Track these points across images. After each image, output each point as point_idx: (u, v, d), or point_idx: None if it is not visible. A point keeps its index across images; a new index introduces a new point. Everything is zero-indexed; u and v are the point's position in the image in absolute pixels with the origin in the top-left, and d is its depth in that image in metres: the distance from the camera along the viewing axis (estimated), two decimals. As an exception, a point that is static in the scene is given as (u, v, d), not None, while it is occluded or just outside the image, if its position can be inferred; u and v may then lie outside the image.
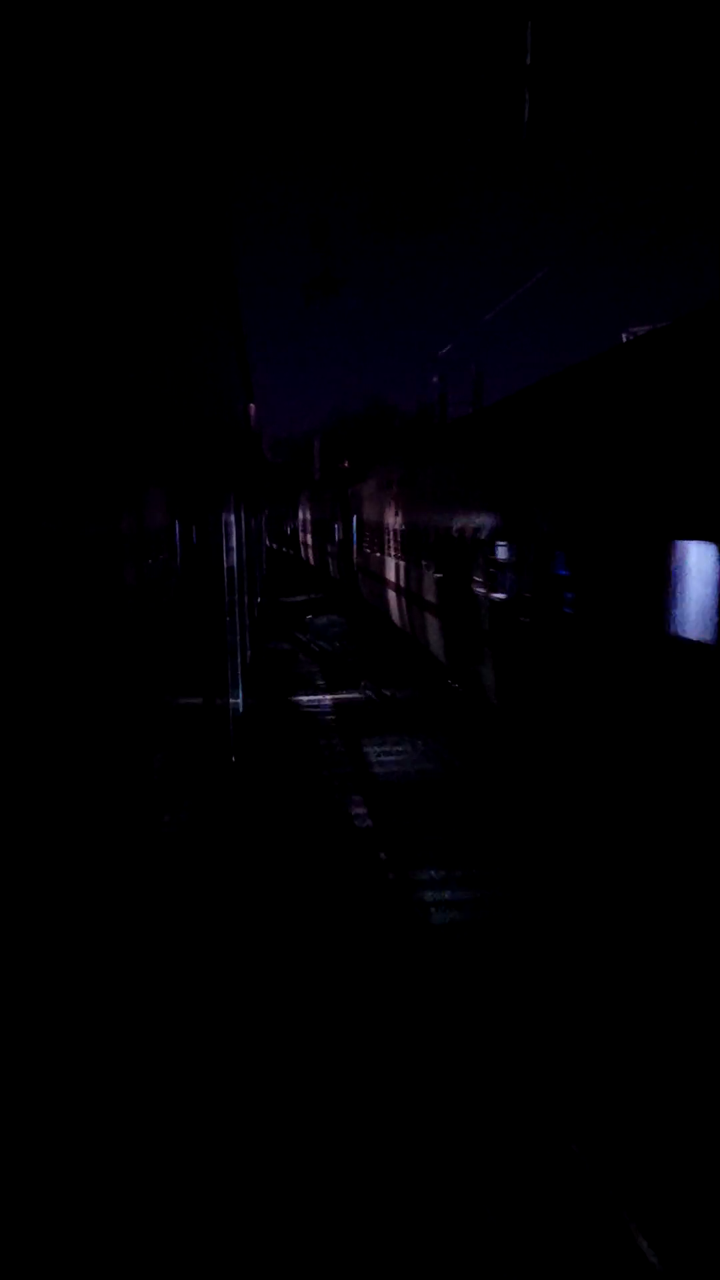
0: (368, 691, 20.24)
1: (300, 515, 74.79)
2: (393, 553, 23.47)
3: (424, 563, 18.55)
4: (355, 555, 34.67)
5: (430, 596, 18.00)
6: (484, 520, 13.39)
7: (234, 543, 15.95)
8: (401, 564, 22.00)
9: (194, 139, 6.62)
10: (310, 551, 57.95)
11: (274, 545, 79.81)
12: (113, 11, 3.65)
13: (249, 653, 20.45)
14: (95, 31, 3.36)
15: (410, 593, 20.85)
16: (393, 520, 23.76)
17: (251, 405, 26.84)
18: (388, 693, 19.91)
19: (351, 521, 35.81)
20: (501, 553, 12.31)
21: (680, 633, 6.73)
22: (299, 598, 44.52)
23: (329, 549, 45.35)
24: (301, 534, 74.38)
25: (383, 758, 15.18)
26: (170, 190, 5.74)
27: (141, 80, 4.55)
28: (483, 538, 13.25)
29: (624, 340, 11.96)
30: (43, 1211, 2.36)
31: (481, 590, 13.45)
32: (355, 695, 19.87)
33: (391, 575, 23.92)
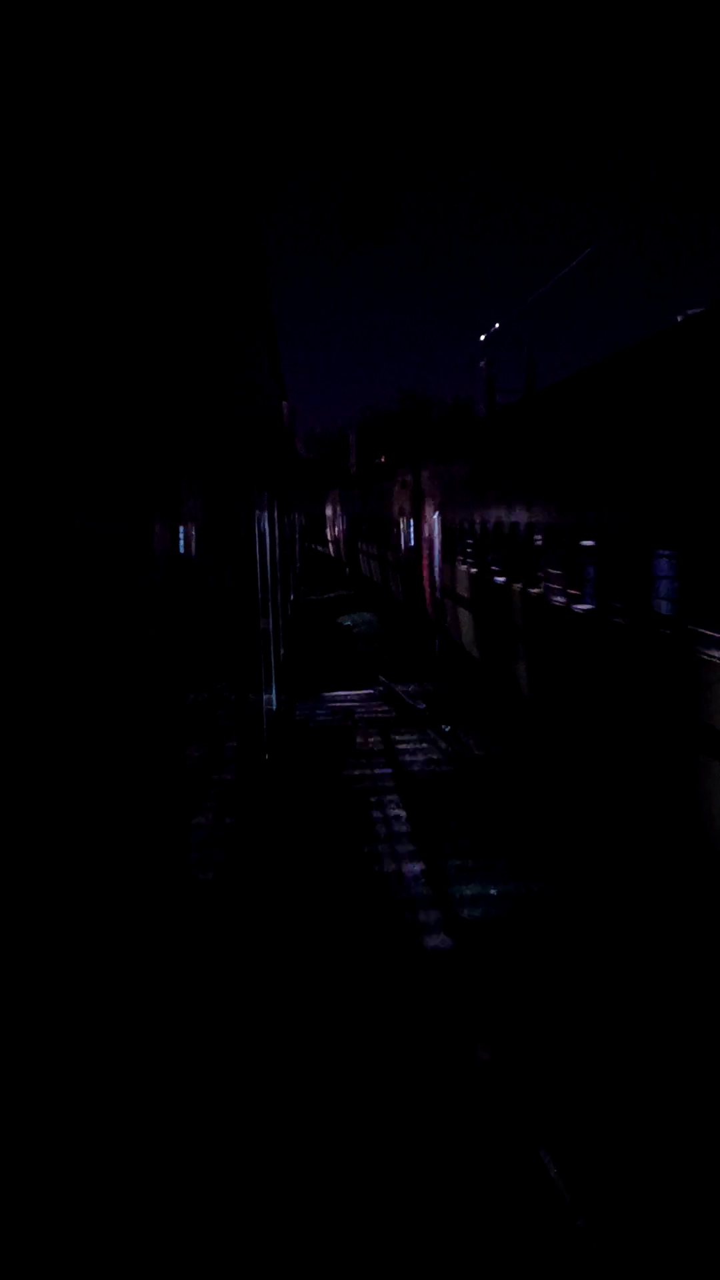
0: (380, 688, 20.22)
1: (329, 511, 74.14)
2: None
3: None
4: (436, 573, 23.01)
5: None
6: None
7: (268, 542, 16.00)
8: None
9: (226, 141, 6.65)
10: (343, 552, 57.40)
11: (312, 546, 79.54)
12: (135, 6, 3.68)
13: (283, 650, 20.53)
14: (120, 28, 3.40)
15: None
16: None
17: (284, 403, 26.89)
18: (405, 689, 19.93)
19: (432, 522, 23.64)
20: None
21: None
22: (329, 594, 44.58)
23: (388, 557, 32.57)
24: (330, 530, 74.01)
25: (413, 755, 15.19)
26: (200, 188, 5.77)
27: (176, 83, 4.58)
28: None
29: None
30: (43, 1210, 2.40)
31: None
32: (378, 691, 19.88)
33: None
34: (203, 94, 5.55)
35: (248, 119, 7.53)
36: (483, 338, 33.14)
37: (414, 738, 16.15)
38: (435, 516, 23.25)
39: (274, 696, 16.40)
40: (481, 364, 34.53)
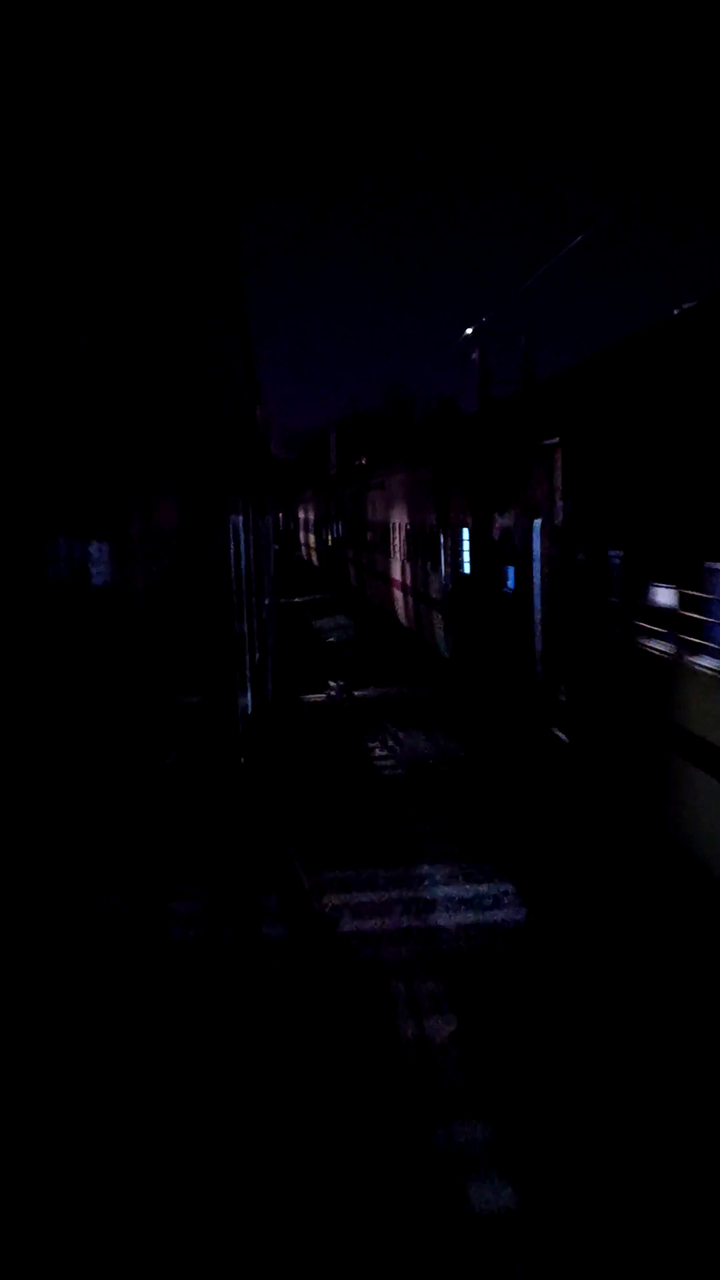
0: (332, 692, 20.11)
1: (303, 514, 73.29)
2: None
3: None
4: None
5: None
6: None
7: (243, 546, 16.03)
8: None
9: (198, 135, 6.69)
10: (320, 555, 56.92)
11: (288, 549, 78.77)
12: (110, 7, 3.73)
13: (257, 655, 20.53)
14: (94, 29, 3.45)
15: None
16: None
17: (259, 407, 26.92)
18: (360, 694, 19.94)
19: (461, 530, 17.64)
20: None
21: None
22: (302, 598, 44.55)
23: (421, 589, 22.49)
24: (305, 534, 73.18)
25: (386, 756, 15.25)
26: (173, 188, 5.81)
27: (145, 83, 4.63)
28: None
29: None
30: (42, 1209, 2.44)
31: None
32: (369, 693, 19.89)
33: None
34: (175, 85, 5.60)
35: (221, 108, 7.55)
36: (469, 331, 29.27)
37: (378, 739, 16.21)
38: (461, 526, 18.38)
39: (249, 700, 16.41)
40: (474, 355, 31.32)
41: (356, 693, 19.95)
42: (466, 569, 16.93)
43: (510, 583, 13.67)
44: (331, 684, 20.94)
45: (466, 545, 16.94)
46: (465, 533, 17.04)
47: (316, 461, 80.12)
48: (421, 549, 21.77)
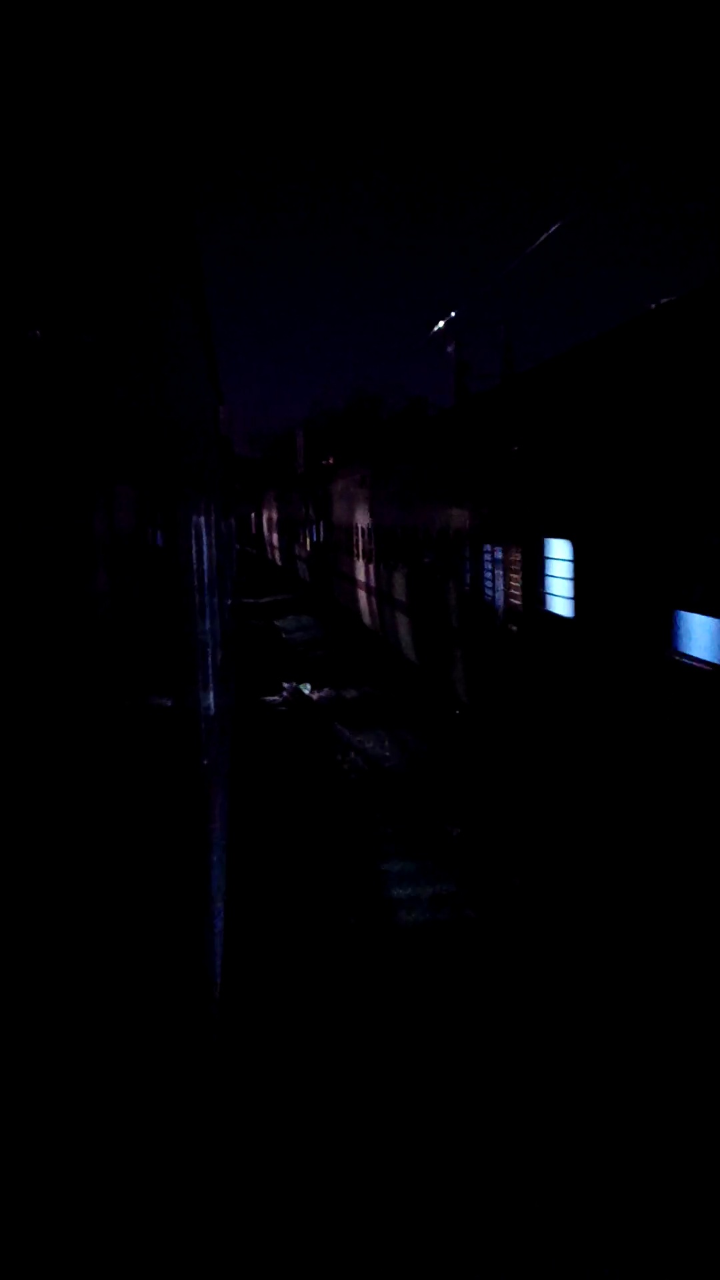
0: (285, 694, 20.09)
1: (267, 514, 72.66)
2: None
3: None
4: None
5: None
6: None
7: (205, 546, 15.95)
8: None
9: (155, 127, 6.63)
10: (283, 556, 56.78)
11: (249, 549, 78.17)
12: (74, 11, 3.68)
13: (220, 654, 20.43)
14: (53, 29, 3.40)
15: None
16: None
17: (221, 408, 26.83)
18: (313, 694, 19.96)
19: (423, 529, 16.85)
20: None
21: None
22: (267, 599, 44.44)
23: (386, 590, 21.84)
24: (267, 533, 72.53)
25: (358, 751, 15.21)
26: (130, 184, 5.76)
27: (98, 74, 4.58)
28: None
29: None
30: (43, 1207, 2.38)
31: None
32: (328, 695, 19.87)
33: None
34: (130, 76, 5.53)
35: (180, 98, 7.47)
36: (440, 324, 26.70)
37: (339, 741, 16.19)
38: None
39: (212, 701, 16.31)
40: (449, 349, 28.99)
41: (318, 694, 19.96)
42: (432, 569, 16.65)
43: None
44: (287, 686, 20.90)
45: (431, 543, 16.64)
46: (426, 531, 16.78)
47: (284, 461, 79.31)
48: (388, 550, 21.65)
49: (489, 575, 11.52)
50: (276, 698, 19.75)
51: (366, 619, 26.28)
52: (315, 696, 19.73)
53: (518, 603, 11.60)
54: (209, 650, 16.43)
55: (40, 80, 3.55)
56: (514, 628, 11.51)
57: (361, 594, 26.57)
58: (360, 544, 26.77)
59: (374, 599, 24.58)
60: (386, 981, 8.40)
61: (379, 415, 76.01)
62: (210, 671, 16.69)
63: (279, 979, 8.37)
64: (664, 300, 8.87)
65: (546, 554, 10.33)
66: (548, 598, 10.50)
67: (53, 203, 3.67)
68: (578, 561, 9.36)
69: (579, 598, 9.15)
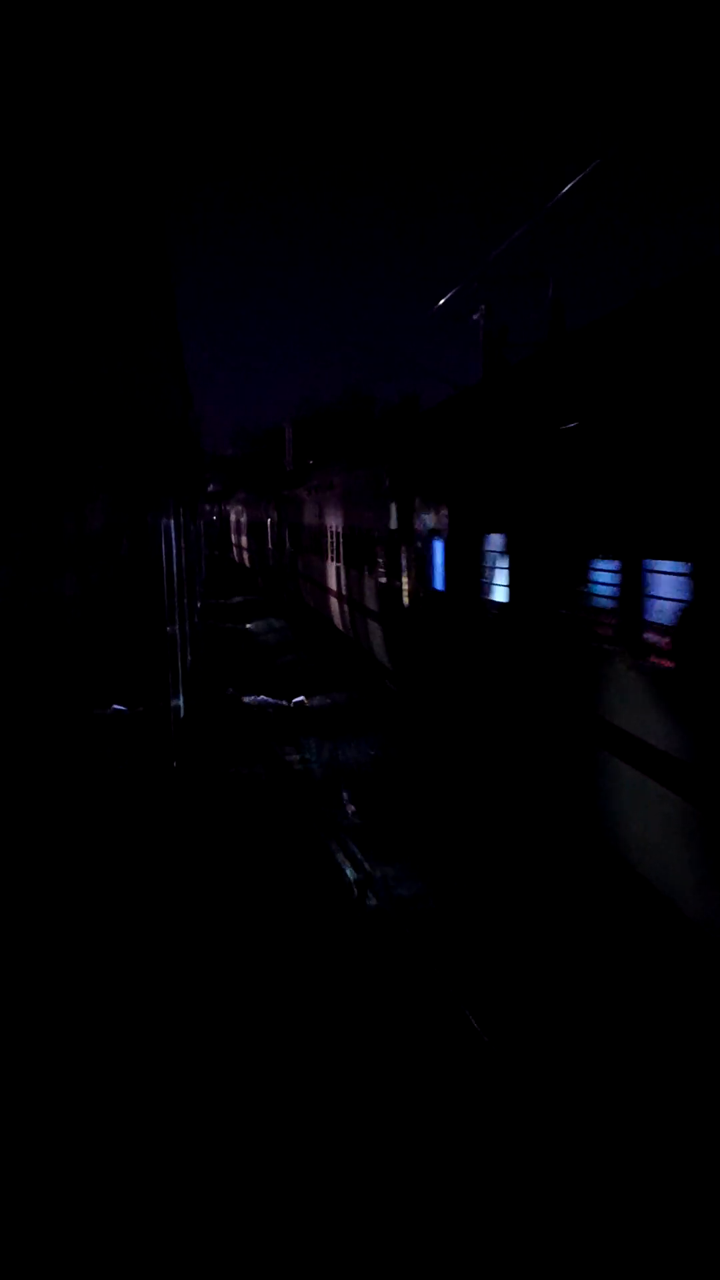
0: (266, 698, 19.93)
1: (235, 516, 71.51)
2: None
3: None
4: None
5: None
6: None
7: (174, 547, 16.00)
8: None
9: (123, 143, 6.70)
10: (253, 558, 55.70)
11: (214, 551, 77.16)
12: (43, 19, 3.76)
13: (189, 656, 20.48)
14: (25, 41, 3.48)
15: None
16: None
17: (190, 412, 26.79)
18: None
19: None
20: None
21: None
22: (235, 599, 44.50)
23: (356, 597, 21.52)
24: (235, 535, 71.62)
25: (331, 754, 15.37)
26: (98, 204, 5.83)
27: (66, 85, 4.65)
28: None
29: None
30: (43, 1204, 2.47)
31: None
32: (301, 700, 19.97)
33: None
34: (97, 85, 5.61)
35: (150, 105, 7.54)
36: (438, 305, 21.80)
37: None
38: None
39: (181, 703, 16.37)
40: (476, 315, 23.28)
41: (290, 701, 19.92)
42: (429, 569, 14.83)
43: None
44: (264, 691, 20.99)
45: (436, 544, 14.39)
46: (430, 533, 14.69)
47: (268, 459, 76.35)
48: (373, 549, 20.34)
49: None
50: (254, 698, 19.81)
51: (337, 622, 25.92)
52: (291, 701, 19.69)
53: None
54: (178, 650, 16.51)
55: (16, 84, 3.63)
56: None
57: (331, 599, 26.14)
58: (329, 546, 26.12)
59: (340, 601, 23.95)
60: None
61: (372, 414, 72.78)
62: (180, 672, 16.76)
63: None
64: None
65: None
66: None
67: (17, 214, 3.75)
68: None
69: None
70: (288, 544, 35.54)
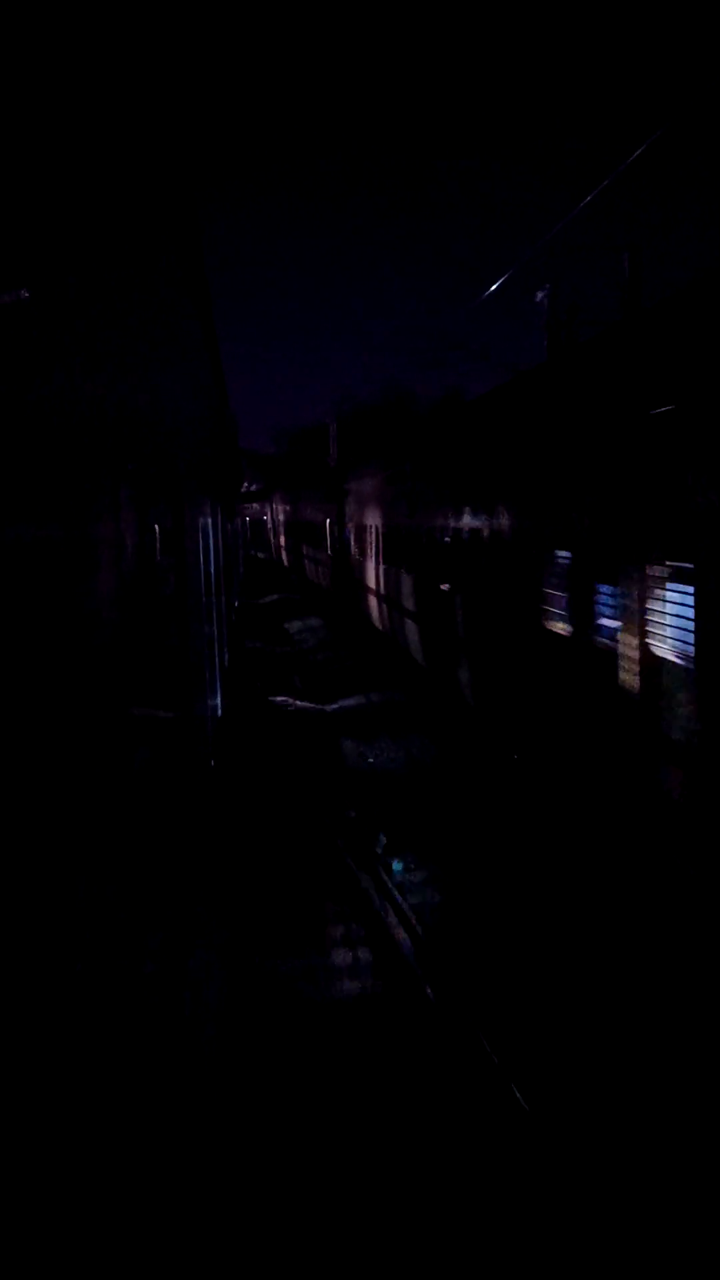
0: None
1: (270, 515, 70.57)
2: None
3: None
4: None
5: None
6: None
7: (212, 548, 16.00)
8: None
9: (161, 146, 6.66)
10: (291, 558, 54.66)
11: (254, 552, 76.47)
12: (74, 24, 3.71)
13: (227, 655, 20.49)
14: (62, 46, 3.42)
15: None
16: None
17: (227, 410, 26.80)
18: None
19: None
20: None
21: None
22: (273, 598, 44.49)
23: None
24: (272, 535, 70.97)
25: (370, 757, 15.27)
26: (135, 216, 5.78)
27: (109, 91, 4.61)
28: None
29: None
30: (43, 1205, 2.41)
31: None
32: (352, 702, 19.82)
33: None
34: (136, 97, 5.57)
35: (185, 99, 7.48)
36: (491, 289, 19.97)
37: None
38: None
39: (219, 703, 16.37)
40: (540, 295, 21.37)
41: (330, 706, 19.75)
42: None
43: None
44: (296, 691, 20.94)
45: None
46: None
47: (309, 456, 74.65)
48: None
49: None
50: (288, 699, 19.75)
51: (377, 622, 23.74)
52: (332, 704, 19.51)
53: None
54: (215, 649, 16.52)
55: (54, 105, 3.59)
56: None
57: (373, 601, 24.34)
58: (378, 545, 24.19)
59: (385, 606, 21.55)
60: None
61: (413, 410, 70.73)
62: (218, 672, 16.77)
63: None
64: None
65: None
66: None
67: (57, 213, 3.70)
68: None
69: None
70: (354, 548, 29.02)
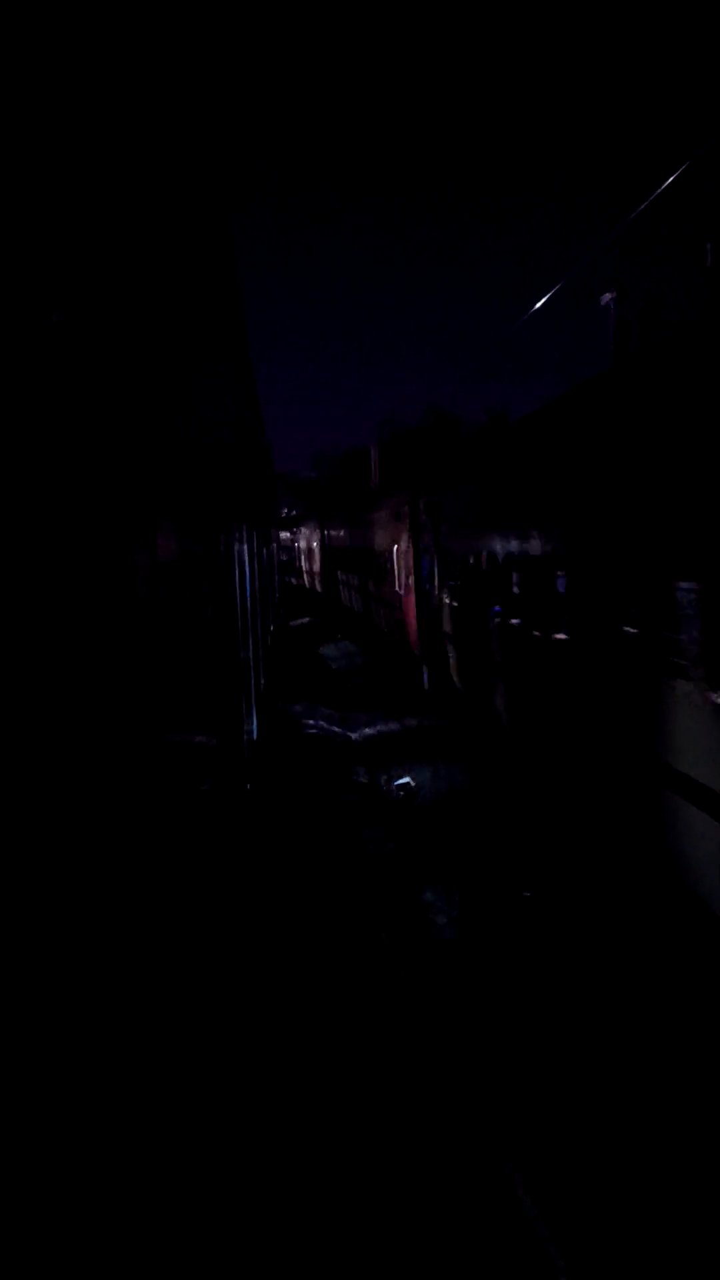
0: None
1: (302, 542, 70.11)
2: None
3: None
4: None
5: None
6: None
7: (248, 573, 16.14)
8: None
9: (192, 148, 6.81)
10: (324, 585, 54.71)
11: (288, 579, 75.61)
12: (105, 41, 3.83)
13: (264, 681, 20.58)
14: (93, 65, 3.55)
15: None
16: None
17: (263, 436, 27.06)
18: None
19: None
20: None
21: None
22: (305, 620, 44.67)
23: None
24: (305, 562, 70.54)
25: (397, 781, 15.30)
26: (170, 232, 5.90)
27: (138, 95, 4.74)
28: None
29: None
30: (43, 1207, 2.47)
31: None
32: (393, 726, 19.83)
33: None
34: (172, 118, 5.72)
35: (219, 114, 7.61)
36: (550, 291, 18.84)
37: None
38: None
39: (255, 726, 16.46)
40: (606, 297, 20.13)
41: (355, 734, 19.74)
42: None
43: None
44: (328, 713, 20.97)
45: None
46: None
47: (350, 481, 72.91)
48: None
49: None
50: (319, 724, 19.80)
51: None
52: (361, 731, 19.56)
53: None
54: (251, 674, 16.62)
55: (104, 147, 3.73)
56: None
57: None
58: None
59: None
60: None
61: (457, 434, 69.26)
62: (254, 696, 16.86)
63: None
64: None
65: None
66: None
67: (100, 254, 3.84)
68: None
69: None
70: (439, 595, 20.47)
